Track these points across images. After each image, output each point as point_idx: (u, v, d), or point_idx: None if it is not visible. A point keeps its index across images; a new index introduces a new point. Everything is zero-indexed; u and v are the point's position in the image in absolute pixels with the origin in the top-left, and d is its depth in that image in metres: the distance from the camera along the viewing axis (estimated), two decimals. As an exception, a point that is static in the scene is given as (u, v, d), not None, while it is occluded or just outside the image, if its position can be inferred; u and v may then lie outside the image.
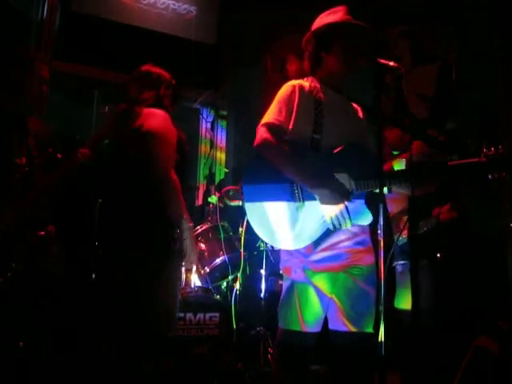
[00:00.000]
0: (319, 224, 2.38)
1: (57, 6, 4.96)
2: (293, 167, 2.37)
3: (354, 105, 2.67)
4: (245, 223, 4.09)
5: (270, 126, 2.42)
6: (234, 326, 3.92)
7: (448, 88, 5.38)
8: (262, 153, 2.44)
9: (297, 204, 2.39)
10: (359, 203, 2.39)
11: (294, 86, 2.51)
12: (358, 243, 2.47)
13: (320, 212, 2.36)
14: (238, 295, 4.22)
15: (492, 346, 2.97)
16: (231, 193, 4.40)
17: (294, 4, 5.58)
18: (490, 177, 3.03)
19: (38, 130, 2.86)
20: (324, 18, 2.58)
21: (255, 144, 2.43)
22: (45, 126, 2.93)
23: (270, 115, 2.46)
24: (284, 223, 2.39)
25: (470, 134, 4.94)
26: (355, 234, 2.46)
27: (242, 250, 4.19)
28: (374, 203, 2.44)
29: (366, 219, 2.40)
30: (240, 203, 4.08)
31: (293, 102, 2.46)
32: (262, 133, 2.42)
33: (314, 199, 2.36)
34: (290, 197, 2.39)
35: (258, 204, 2.42)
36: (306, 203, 2.38)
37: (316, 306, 2.46)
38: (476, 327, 3.61)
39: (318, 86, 2.54)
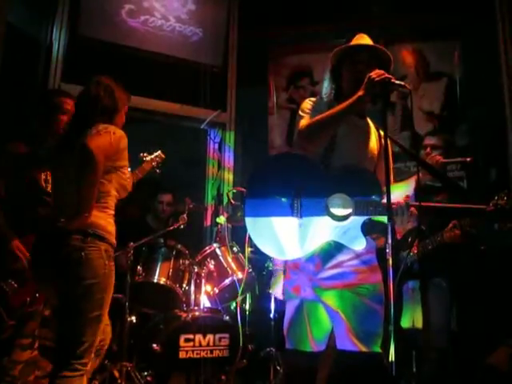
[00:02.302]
0: (326, 228, 2.37)
1: (65, 31, 5.03)
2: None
3: (375, 129, 2.68)
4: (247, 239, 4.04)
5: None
6: (244, 347, 3.88)
7: (455, 105, 5.39)
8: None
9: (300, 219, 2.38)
10: (354, 228, 2.38)
11: (312, 101, 2.59)
12: (363, 262, 2.46)
13: (326, 230, 2.36)
14: (247, 316, 4.19)
15: (501, 363, 2.95)
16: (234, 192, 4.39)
17: (298, 24, 5.63)
18: (496, 226, 3.03)
19: None
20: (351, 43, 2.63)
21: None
22: None
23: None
24: (290, 232, 2.37)
25: (477, 151, 4.94)
26: (360, 254, 2.45)
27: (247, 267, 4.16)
28: (372, 230, 2.44)
29: (360, 244, 2.38)
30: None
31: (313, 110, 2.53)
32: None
33: (313, 215, 2.35)
34: (291, 212, 2.36)
35: (261, 218, 2.40)
36: (314, 219, 2.37)
37: (325, 322, 2.45)
38: (487, 345, 3.58)
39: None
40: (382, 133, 2.63)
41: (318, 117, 2.43)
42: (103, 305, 2.51)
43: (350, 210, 2.35)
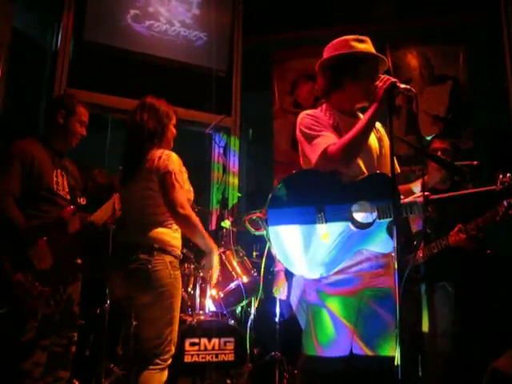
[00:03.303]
0: (331, 248, 2.37)
1: (70, 36, 5.06)
2: None
3: (378, 130, 2.67)
4: (265, 250, 4.03)
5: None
6: (249, 351, 3.88)
7: (460, 108, 5.38)
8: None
9: (312, 229, 2.37)
10: (381, 232, 2.38)
11: (312, 115, 2.52)
12: (368, 267, 2.45)
13: (334, 236, 2.36)
14: (252, 320, 4.19)
15: (508, 368, 2.93)
16: (254, 218, 4.37)
17: (302, 28, 5.65)
18: (505, 203, 3.08)
19: (73, 170, 3.33)
20: (353, 43, 2.52)
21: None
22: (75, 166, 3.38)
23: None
24: (298, 248, 2.37)
25: (483, 154, 4.93)
26: (376, 257, 2.45)
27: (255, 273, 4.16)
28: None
29: (387, 247, 2.38)
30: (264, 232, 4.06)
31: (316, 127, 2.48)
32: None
33: (337, 221, 2.36)
34: (314, 219, 2.35)
35: (278, 228, 2.39)
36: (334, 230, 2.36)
37: (329, 328, 2.44)
38: (493, 349, 3.56)
39: (333, 113, 2.54)
40: (379, 128, 2.65)
41: (347, 139, 2.35)
42: (174, 308, 2.87)
43: (374, 216, 2.36)
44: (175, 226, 2.96)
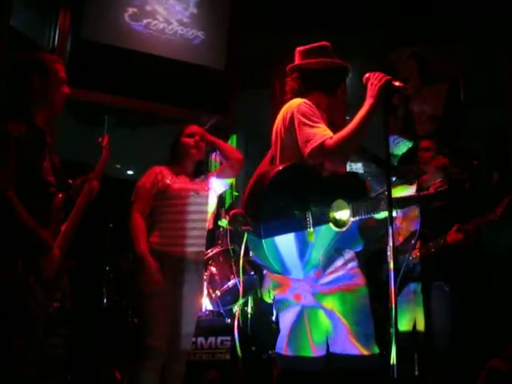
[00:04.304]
0: (327, 251, 2.38)
1: (67, 34, 5.05)
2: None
3: None
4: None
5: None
6: (246, 350, 3.88)
7: (457, 108, 5.39)
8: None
9: (306, 233, 2.36)
10: (352, 230, 2.41)
11: (309, 104, 2.51)
12: (361, 264, 2.49)
13: (328, 238, 2.37)
14: (249, 318, 4.19)
15: (501, 365, 2.96)
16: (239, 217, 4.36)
17: (301, 27, 5.64)
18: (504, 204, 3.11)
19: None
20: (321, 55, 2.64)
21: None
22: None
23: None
24: (293, 253, 2.34)
25: (480, 154, 4.94)
26: (358, 255, 2.48)
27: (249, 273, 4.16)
28: (370, 231, 2.46)
29: (360, 246, 2.40)
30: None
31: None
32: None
33: (321, 222, 2.35)
34: (303, 225, 2.33)
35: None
36: (317, 229, 2.36)
37: (325, 324, 2.46)
38: (490, 348, 3.57)
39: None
40: None
41: (344, 135, 2.33)
42: None
43: (349, 217, 2.37)
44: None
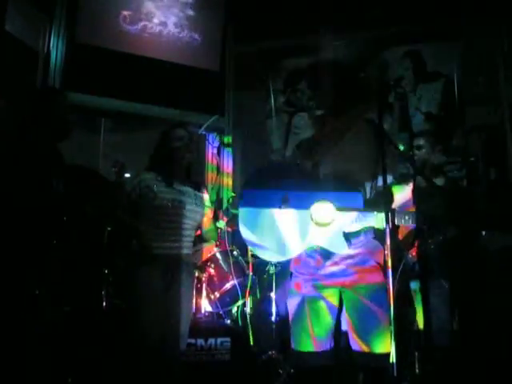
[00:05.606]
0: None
1: (62, 39, 5.05)
2: None
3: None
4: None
5: None
6: (245, 351, 3.88)
7: (452, 105, 5.40)
8: None
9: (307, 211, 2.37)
10: (339, 233, 2.40)
11: None
12: (362, 262, 2.47)
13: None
14: (248, 319, 4.19)
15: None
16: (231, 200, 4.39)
17: (296, 29, 5.65)
18: None
19: None
20: None
21: None
22: None
23: None
24: (294, 230, 2.36)
25: (476, 151, 4.95)
26: (359, 253, 2.46)
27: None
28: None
29: (341, 249, 2.40)
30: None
31: None
32: None
33: (305, 209, 2.36)
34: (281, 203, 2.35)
35: (263, 214, 2.38)
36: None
37: (327, 318, 2.46)
38: (490, 345, 3.57)
39: None
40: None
41: None
42: None
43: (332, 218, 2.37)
44: None
